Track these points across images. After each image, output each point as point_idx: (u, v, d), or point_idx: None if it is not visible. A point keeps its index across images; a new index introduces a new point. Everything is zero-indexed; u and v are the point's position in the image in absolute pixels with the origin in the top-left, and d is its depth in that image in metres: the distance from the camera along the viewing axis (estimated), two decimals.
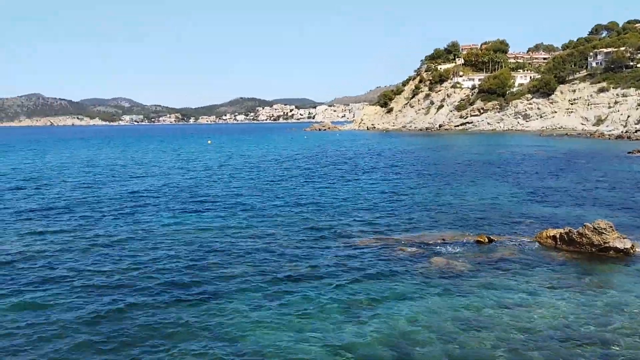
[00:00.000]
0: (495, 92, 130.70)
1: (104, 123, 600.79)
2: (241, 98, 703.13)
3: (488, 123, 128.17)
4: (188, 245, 18.89)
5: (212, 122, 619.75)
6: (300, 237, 20.25)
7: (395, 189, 32.92)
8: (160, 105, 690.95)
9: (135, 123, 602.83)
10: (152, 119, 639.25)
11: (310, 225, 22.39)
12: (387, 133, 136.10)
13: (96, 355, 10.61)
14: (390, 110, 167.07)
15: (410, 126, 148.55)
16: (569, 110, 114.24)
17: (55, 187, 35.37)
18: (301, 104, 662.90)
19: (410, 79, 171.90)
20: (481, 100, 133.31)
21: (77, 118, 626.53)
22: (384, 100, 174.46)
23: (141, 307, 13.01)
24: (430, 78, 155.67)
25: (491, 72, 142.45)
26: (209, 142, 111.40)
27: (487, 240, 18.94)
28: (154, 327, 11.91)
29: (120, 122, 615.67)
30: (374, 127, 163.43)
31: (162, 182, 37.72)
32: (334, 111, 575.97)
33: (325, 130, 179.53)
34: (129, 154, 73.44)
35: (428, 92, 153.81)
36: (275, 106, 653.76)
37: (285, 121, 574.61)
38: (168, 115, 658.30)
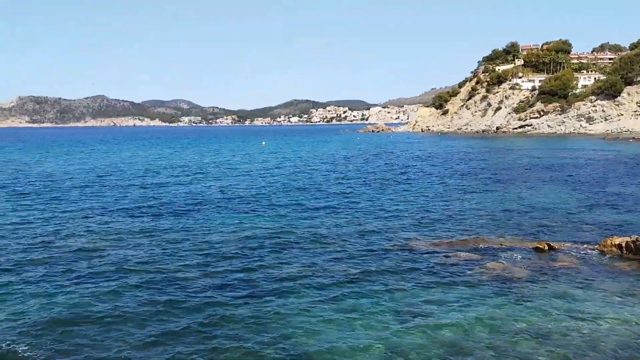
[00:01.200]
0: (557, 94, 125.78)
1: (163, 124, 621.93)
2: (295, 100, 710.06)
3: (548, 126, 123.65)
4: (243, 245, 19.28)
5: (267, 124, 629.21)
6: (354, 239, 20.27)
7: (451, 193, 32.36)
8: (217, 107, 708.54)
9: (194, 124, 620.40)
10: (210, 121, 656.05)
11: (364, 227, 22.38)
12: (442, 135, 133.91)
13: (152, 349, 11.03)
14: (445, 112, 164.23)
15: (466, 128, 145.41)
16: (637, 112, 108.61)
17: (119, 187, 36.95)
18: (354, 105, 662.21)
19: (466, 80, 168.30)
20: (541, 102, 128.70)
21: (139, 119, 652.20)
22: (439, 102, 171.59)
23: (198, 305, 13.42)
24: (488, 79, 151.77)
25: (552, 73, 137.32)
26: (264, 144, 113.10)
27: (546, 247, 18.32)
28: (209, 323, 12.26)
29: (179, 123, 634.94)
30: (429, 129, 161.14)
31: (221, 184, 38.68)
32: (388, 113, 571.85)
33: (378, 132, 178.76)
34: (189, 156, 75.67)
35: (485, 93, 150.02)
36: (328, 108, 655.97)
37: (338, 123, 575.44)
38: (225, 117, 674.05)
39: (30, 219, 24.52)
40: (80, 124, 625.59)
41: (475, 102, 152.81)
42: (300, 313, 12.82)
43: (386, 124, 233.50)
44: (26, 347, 10.97)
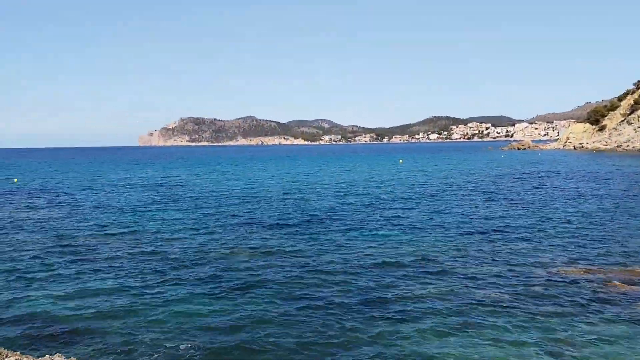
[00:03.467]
0: None
1: (305, 142, 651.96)
2: (434, 117, 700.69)
3: None
4: (381, 263, 19.36)
5: (405, 142, 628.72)
6: (493, 262, 19.31)
7: (609, 215, 29.38)
8: (356, 126, 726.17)
9: (334, 143, 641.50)
10: (349, 139, 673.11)
11: (505, 250, 21.24)
12: (598, 153, 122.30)
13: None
14: (602, 128, 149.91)
15: (627, 146, 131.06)
16: None
17: (266, 201, 39.37)
18: (498, 121, 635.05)
19: (628, 93, 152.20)
20: None
21: (284, 138, 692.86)
22: (595, 116, 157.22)
23: (329, 322, 13.71)
24: None
25: None
26: (401, 161, 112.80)
27: None
28: (336, 341, 12.45)
29: (320, 141, 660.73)
30: (582, 147, 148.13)
31: (360, 201, 39.33)
32: (535, 129, 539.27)
33: (524, 149, 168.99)
34: (329, 173, 78.15)
35: None
36: (469, 124, 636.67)
37: (480, 140, 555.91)
38: (363, 135, 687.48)
39: (183, 230, 27.15)
40: (232, 143, 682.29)
41: (639, 117, 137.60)
42: (436, 339, 12.50)
43: (533, 141, 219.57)
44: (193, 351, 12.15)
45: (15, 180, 66.56)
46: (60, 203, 39.78)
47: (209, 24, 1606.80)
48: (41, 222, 29.97)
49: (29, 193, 48.41)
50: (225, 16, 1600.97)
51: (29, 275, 18.04)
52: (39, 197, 44.22)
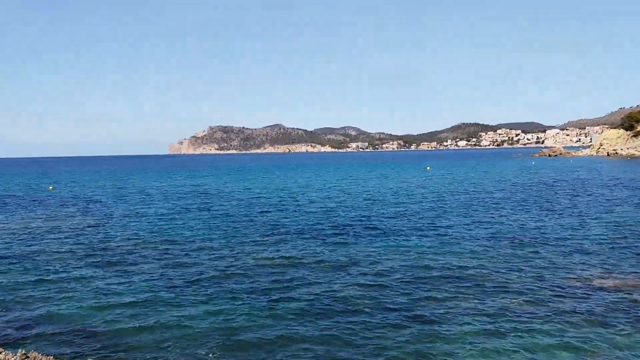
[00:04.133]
0: None
1: (332, 150, 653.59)
2: (463, 123, 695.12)
3: None
4: (411, 274, 19.15)
5: (433, 149, 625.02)
6: (527, 271, 18.85)
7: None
8: (384, 133, 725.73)
9: (361, 150, 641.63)
10: (376, 146, 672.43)
11: (539, 259, 20.75)
12: (632, 160, 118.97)
13: None
14: (637, 134, 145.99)
15: None
16: None
17: (296, 210, 39.45)
18: (528, 128, 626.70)
19: None
20: None
21: (311, 145, 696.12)
22: (630, 122, 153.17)
23: (358, 336, 13.62)
24: None
25: None
26: (428, 168, 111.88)
27: None
28: (369, 349, 12.35)
29: (347, 149, 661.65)
30: (616, 153, 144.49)
31: (394, 210, 39.05)
32: (567, 135, 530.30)
33: (556, 156, 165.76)
34: (356, 181, 77.93)
35: None
36: (499, 131, 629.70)
37: (510, 146, 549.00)
38: (391, 142, 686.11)
39: (213, 238, 27.38)
40: (260, 151, 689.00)
41: None
42: (468, 354, 12.28)
43: (564, 148, 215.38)
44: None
45: (51, 188, 68.40)
46: (93, 211, 40.63)
47: (236, 34, 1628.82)
48: (74, 230, 30.65)
49: (62, 201, 49.65)
50: (253, 25, 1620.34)
51: (62, 284, 18.44)
52: (72, 205, 45.29)
